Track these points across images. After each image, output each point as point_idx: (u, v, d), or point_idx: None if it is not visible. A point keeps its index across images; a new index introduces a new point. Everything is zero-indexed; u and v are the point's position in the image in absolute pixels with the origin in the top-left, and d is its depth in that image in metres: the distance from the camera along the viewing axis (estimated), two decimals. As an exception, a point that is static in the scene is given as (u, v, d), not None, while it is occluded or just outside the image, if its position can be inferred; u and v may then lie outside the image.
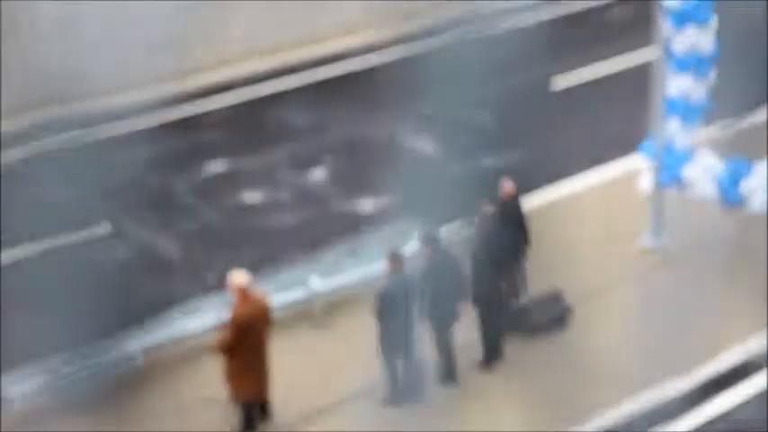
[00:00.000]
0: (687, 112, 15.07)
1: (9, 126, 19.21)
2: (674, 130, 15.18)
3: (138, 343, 13.14)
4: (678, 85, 14.94)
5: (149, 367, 13.25)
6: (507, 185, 13.77)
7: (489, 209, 13.33)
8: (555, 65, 20.73)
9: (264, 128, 19.45)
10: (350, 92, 20.82)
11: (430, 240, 12.95)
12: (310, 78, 21.15)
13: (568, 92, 20.42)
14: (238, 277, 12.14)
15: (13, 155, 18.56)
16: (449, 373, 13.02)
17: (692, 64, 14.77)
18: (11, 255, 15.79)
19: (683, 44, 14.66)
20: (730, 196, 14.72)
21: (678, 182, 15.24)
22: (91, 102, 19.98)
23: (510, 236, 13.18)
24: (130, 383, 13.07)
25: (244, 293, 12.08)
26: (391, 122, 19.69)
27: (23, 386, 12.47)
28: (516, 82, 20.74)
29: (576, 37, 21.54)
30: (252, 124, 19.58)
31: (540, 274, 14.21)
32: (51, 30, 19.84)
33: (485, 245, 12.94)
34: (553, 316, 13.92)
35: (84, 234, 16.34)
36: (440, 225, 15.35)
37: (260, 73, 21.26)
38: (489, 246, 12.90)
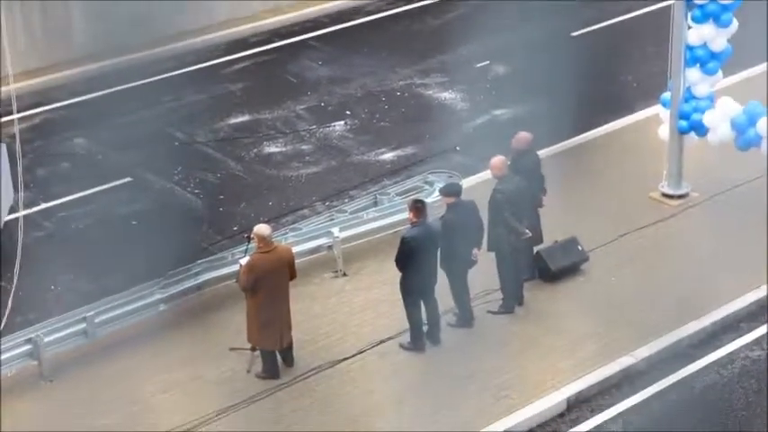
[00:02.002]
0: (707, 60, 15.08)
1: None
2: (694, 78, 15.20)
3: (162, 291, 13.36)
4: (699, 34, 14.94)
5: (173, 315, 13.49)
6: (523, 134, 13.84)
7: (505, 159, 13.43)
8: (575, 18, 20.72)
9: (285, 79, 19.57)
10: (369, 42, 20.88)
11: (451, 191, 13.09)
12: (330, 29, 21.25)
13: (588, 36, 20.42)
14: (261, 229, 12.34)
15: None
16: (466, 318, 13.22)
17: (713, 12, 14.76)
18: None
19: (704, -7, 14.66)
20: (747, 138, 14.74)
21: (698, 129, 15.28)
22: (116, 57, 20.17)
23: (526, 184, 13.27)
24: (155, 331, 13.32)
25: (266, 244, 12.28)
26: (411, 73, 19.77)
27: (56, 333, 12.72)
28: (536, 30, 20.75)
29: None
30: (273, 75, 19.71)
31: (558, 222, 14.33)
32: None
33: (502, 193, 13.05)
34: (570, 262, 14.06)
35: (108, 186, 16.59)
36: (460, 175, 15.54)
37: (283, 26, 21.38)
38: (506, 194, 13.02)
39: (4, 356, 12.39)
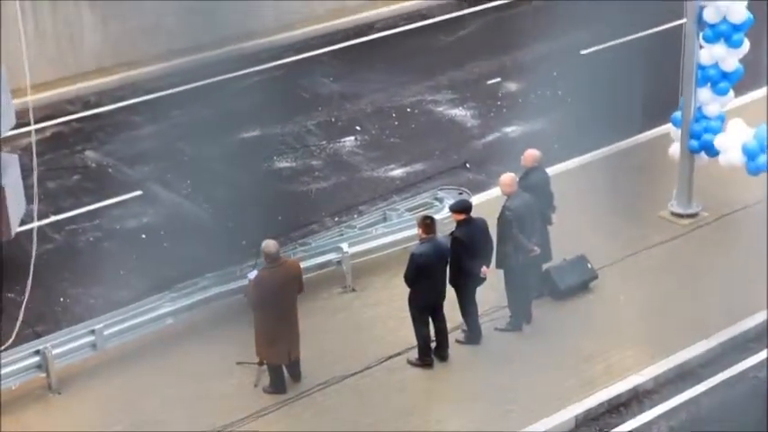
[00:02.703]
0: (719, 80, 15.08)
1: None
2: (705, 98, 15.20)
3: (170, 305, 13.37)
4: (710, 54, 14.95)
5: (181, 329, 13.50)
6: (532, 152, 13.85)
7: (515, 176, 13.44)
8: (585, 35, 20.74)
9: (297, 94, 19.62)
10: (381, 58, 20.93)
11: (461, 207, 13.09)
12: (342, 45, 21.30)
13: (599, 54, 20.44)
14: (268, 245, 12.34)
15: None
16: (474, 335, 13.20)
17: (725, 32, 14.76)
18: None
19: (715, 12, 14.66)
20: (757, 163, 14.73)
21: (708, 149, 15.27)
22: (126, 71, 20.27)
23: (535, 201, 13.27)
24: (164, 344, 13.33)
25: (273, 259, 12.28)
26: (422, 89, 19.80)
27: (64, 345, 12.74)
28: (546, 48, 20.78)
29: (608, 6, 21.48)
30: (284, 90, 19.75)
31: (567, 240, 14.31)
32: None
33: (511, 210, 13.04)
34: (579, 280, 14.04)
35: (118, 199, 16.64)
36: (470, 192, 15.54)
37: (295, 42, 21.44)
38: (515, 211, 13.01)
39: (12, 368, 12.40)
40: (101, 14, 20.02)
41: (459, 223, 12.96)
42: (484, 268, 12.92)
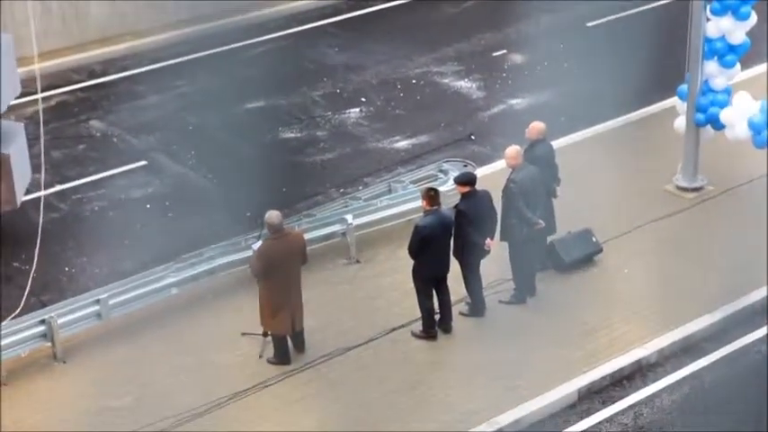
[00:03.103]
0: (725, 53, 15.02)
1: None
2: (711, 71, 15.15)
3: (174, 275, 13.39)
4: (717, 26, 14.88)
5: (186, 299, 13.53)
6: (537, 124, 13.82)
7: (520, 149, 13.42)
8: (592, 9, 20.66)
9: (302, 65, 19.57)
10: (386, 29, 20.86)
11: (466, 179, 13.07)
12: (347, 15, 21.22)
13: (605, 26, 20.36)
14: (271, 216, 12.34)
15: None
16: (478, 307, 13.23)
17: (732, 5, 14.69)
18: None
19: (723, -15, 14.61)
20: (763, 137, 14.69)
21: (714, 122, 15.23)
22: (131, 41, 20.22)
23: (540, 174, 13.26)
24: (168, 315, 13.37)
25: (277, 230, 12.29)
26: (428, 61, 19.74)
27: (69, 315, 12.78)
28: (552, 20, 20.70)
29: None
30: (289, 61, 19.71)
31: (572, 213, 14.31)
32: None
33: (515, 183, 13.03)
34: (584, 254, 14.04)
35: (123, 169, 16.64)
36: (475, 164, 15.52)
37: (300, 12, 21.37)
38: (520, 184, 13.00)
39: (17, 337, 12.45)
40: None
41: (463, 196, 12.95)
42: (488, 241, 12.92)
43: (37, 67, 13.30)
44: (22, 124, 13.64)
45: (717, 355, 12.86)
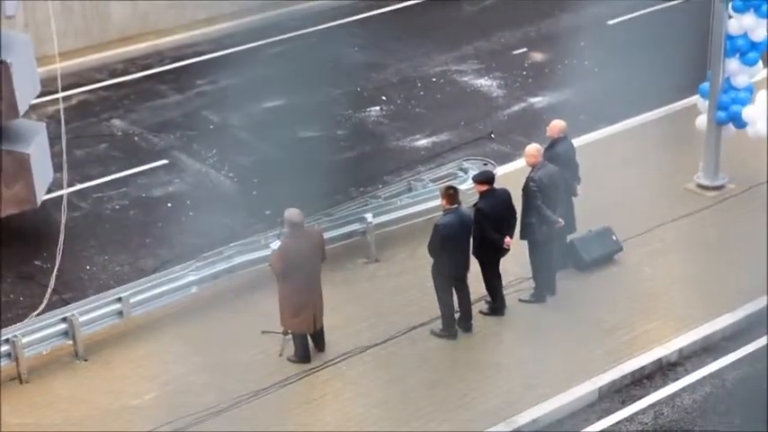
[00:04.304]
0: (747, 50, 14.95)
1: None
2: (733, 69, 15.08)
3: (195, 274, 13.43)
4: (739, 24, 14.81)
5: (206, 298, 13.57)
6: (558, 122, 13.78)
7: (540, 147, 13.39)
8: (612, 7, 20.60)
9: (322, 63, 19.58)
10: (406, 28, 20.85)
11: (484, 178, 13.06)
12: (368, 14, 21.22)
13: (626, 24, 20.30)
14: (292, 214, 12.36)
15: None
16: (498, 306, 13.22)
17: (754, 2, 14.62)
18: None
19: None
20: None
21: (736, 120, 15.16)
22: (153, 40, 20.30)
23: (560, 173, 13.22)
24: (189, 313, 13.41)
25: (296, 229, 12.30)
26: (447, 59, 19.73)
27: (91, 313, 12.84)
28: (573, 18, 20.66)
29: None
30: (310, 59, 19.72)
31: (593, 211, 14.27)
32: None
33: (535, 182, 13.01)
34: (604, 252, 14.00)
35: (145, 168, 16.71)
36: (495, 163, 15.50)
37: (320, 11, 21.38)
38: (540, 182, 12.98)
39: (39, 335, 12.52)
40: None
41: (482, 194, 12.94)
42: (507, 239, 12.90)
43: (58, 66, 13.39)
44: (44, 124, 13.75)
45: (738, 355, 12.79)
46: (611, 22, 20.41)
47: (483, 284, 13.14)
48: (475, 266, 12.97)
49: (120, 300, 12.97)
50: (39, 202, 14.27)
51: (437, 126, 17.70)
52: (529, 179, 13.10)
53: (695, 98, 15.78)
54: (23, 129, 13.91)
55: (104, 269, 14.52)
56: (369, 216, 14.29)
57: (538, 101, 18.31)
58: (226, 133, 17.59)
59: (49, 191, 15.14)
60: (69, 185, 15.91)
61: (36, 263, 14.45)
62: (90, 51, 19.83)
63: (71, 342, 12.74)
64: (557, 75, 18.95)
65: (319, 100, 18.46)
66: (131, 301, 13.02)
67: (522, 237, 13.25)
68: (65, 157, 13.45)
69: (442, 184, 14.09)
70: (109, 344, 12.97)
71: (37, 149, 13.87)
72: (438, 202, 13.56)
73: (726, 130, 15.38)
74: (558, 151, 13.59)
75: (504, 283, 13.25)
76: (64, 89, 18.41)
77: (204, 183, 16.38)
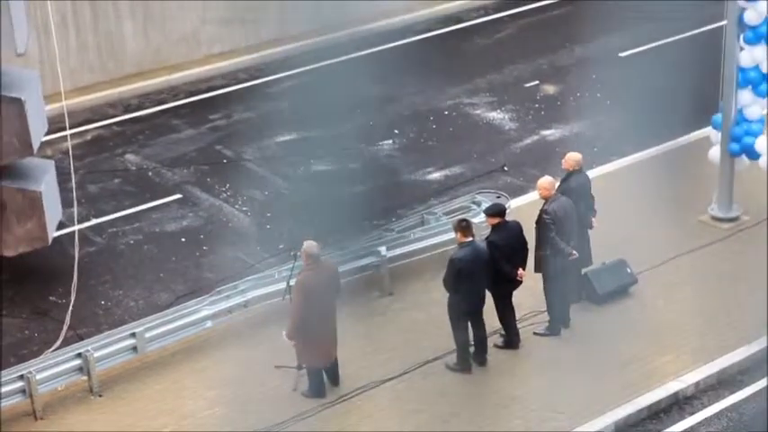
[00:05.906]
0: (759, 82, 14.97)
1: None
2: (746, 101, 15.09)
3: (209, 308, 13.44)
4: (751, 56, 14.84)
5: (220, 332, 13.57)
6: (573, 155, 13.79)
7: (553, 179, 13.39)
8: (624, 39, 20.66)
9: (334, 97, 19.64)
10: (418, 61, 20.92)
11: (495, 211, 13.07)
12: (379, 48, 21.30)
13: (638, 56, 20.33)
14: (310, 246, 12.38)
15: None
16: (513, 340, 13.18)
17: (766, 34, 14.65)
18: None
19: (757, 14, 14.54)
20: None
21: (749, 152, 15.15)
22: (167, 75, 20.41)
23: (573, 205, 13.22)
24: (203, 348, 13.40)
25: (313, 261, 12.32)
26: (459, 92, 19.78)
27: (106, 348, 12.85)
28: (585, 50, 20.71)
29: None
30: (321, 94, 19.79)
31: (606, 243, 14.25)
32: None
33: (548, 214, 13.01)
34: (618, 285, 13.97)
35: (159, 202, 16.76)
36: (508, 195, 15.52)
37: (330, 45, 21.45)
38: (553, 215, 12.98)
39: (54, 371, 12.52)
40: (141, 23, 20.18)
41: (493, 227, 12.95)
42: (520, 271, 12.88)
43: (64, 104, 13.47)
44: (52, 161, 13.83)
45: (754, 388, 12.73)
46: (622, 54, 20.45)
47: (497, 317, 13.12)
48: (488, 300, 12.94)
49: (134, 335, 12.98)
50: (50, 240, 14.34)
51: (450, 159, 17.72)
52: (542, 211, 13.10)
53: (708, 130, 15.79)
54: (33, 166, 14.01)
55: (119, 304, 14.54)
56: (383, 249, 14.29)
57: (550, 133, 18.33)
58: (239, 167, 17.65)
59: (63, 226, 15.23)
60: (84, 220, 16.00)
61: (51, 298, 14.49)
62: (105, 87, 19.95)
63: (86, 378, 12.74)
64: (569, 107, 18.98)
65: (332, 134, 18.50)
66: (146, 336, 13.03)
67: (537, 270, 13.24)
68: (75, 193, 13.50)
69: (456, 218, 14.10)
70: (124, 379, 12.97)
71: (47, 187, 13.93)
72: (451, 235, 13.57)
73: (739, 162, 15.37)
74: (572, 184, 13.58)
75: (518, 316, 13.23)
76: (79, 124, 18.59)
77: (218, 217, 16.42)
